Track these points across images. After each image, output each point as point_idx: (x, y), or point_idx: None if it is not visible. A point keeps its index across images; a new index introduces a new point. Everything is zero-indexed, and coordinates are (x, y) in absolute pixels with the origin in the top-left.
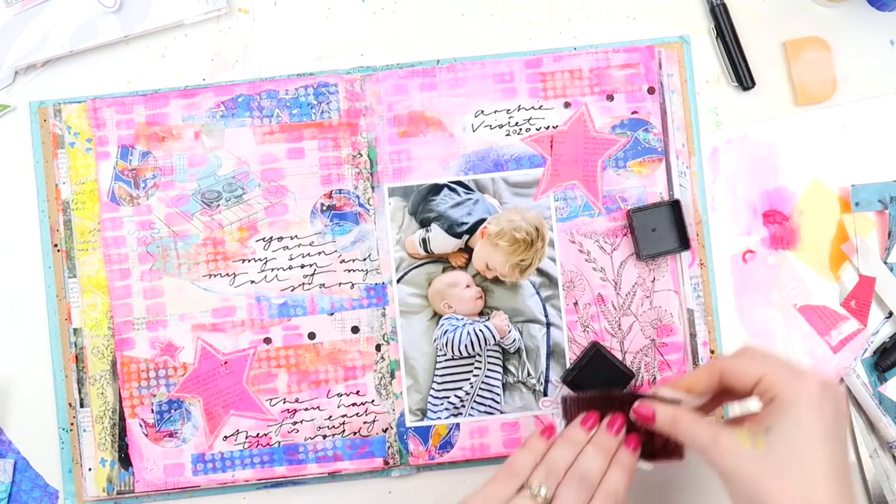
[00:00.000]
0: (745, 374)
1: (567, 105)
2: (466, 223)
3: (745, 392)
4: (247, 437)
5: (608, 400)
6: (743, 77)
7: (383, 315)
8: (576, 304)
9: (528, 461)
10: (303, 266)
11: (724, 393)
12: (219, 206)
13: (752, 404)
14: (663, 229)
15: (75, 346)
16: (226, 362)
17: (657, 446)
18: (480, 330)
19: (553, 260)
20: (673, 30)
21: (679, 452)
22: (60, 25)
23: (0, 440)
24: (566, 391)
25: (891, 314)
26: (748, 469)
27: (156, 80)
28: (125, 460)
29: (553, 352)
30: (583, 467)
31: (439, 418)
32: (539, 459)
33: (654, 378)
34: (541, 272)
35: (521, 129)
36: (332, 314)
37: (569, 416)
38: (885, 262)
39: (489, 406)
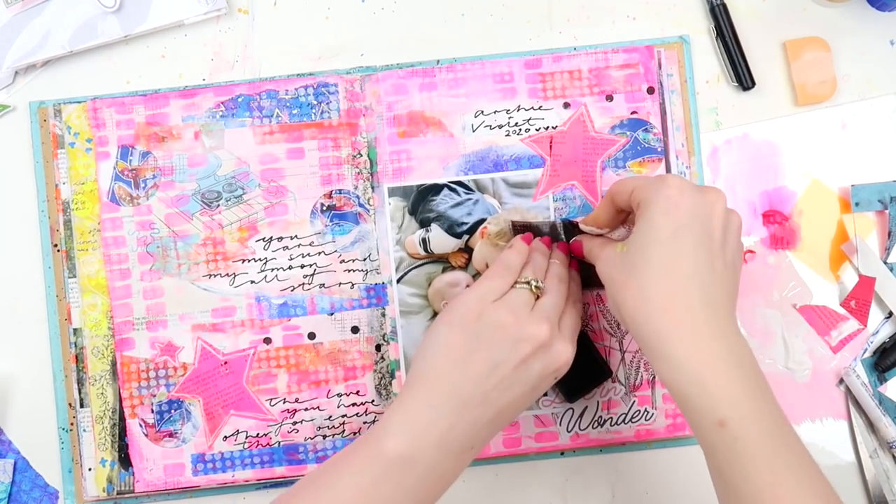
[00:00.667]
0: (623, 192)
1: (566, 105)
2: (466, 223)
3: (629, 207)
4: (247, 438)
5: (551, 228)
6: (743, 77)
7: (383, 315)
8: None
9: (518, 260)
10: (303, 266)
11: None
12: (219, 206)
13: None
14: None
15: (75, 346)
16: (226, 362)
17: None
18: None
19: None
20: (673, 30)
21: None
22: (60, 25)
23: (0, 440)
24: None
25: (891, 314)
26: (614, 270)
27: (156, 80)
28: (125, 460)
29: None
30: (557, 270)
31: None
32: (525, 260)
33: (654, 377)
34: None
35: (520, 130)
36: (332, 314)
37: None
38: (885, 263)
39: None
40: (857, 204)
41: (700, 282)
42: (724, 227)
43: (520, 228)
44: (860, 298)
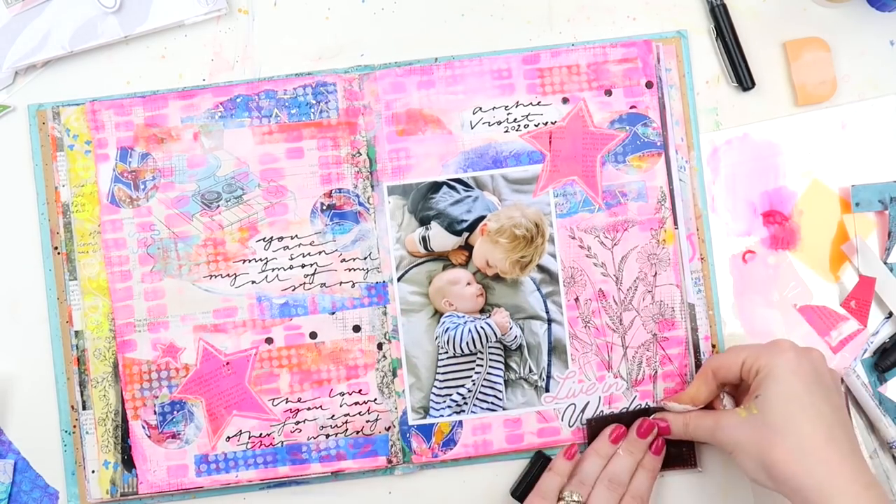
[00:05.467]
0: (732, 365)
1: (565, 101)
2: (466, 220)
3: (737, 381)
4: (250, 438)
5: (629, 419)
6: (743, 77)
7: (384, 314)
8: (577, 299)
9: (556, 482)
10: (303, 266)
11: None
12: (219, 206)
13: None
14: None
15: (77, 348)
16: (228, 363)
17: (672, 455)
18: (482, 327)
19: (553, 256)
20: (673, 29)
21: (692, 460)
22: (60, 26)
23: (0, 440)
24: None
25: (891, 314)
26: (747, 433)
27: (156, 80)
28: (128, 462)
29: (555, 348)
30: (613, 470)
31: (442, 416)
32: (566, 480)
33: (656, 372)
34: (541, 268)
35: (519, 126)
36: (333, 313)
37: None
38: (885, 263)
39: (491, 403)
40: (857, 204)
41: (842, 429)
42: (833, 377)
43: (596, 425)
44: (860, 299)
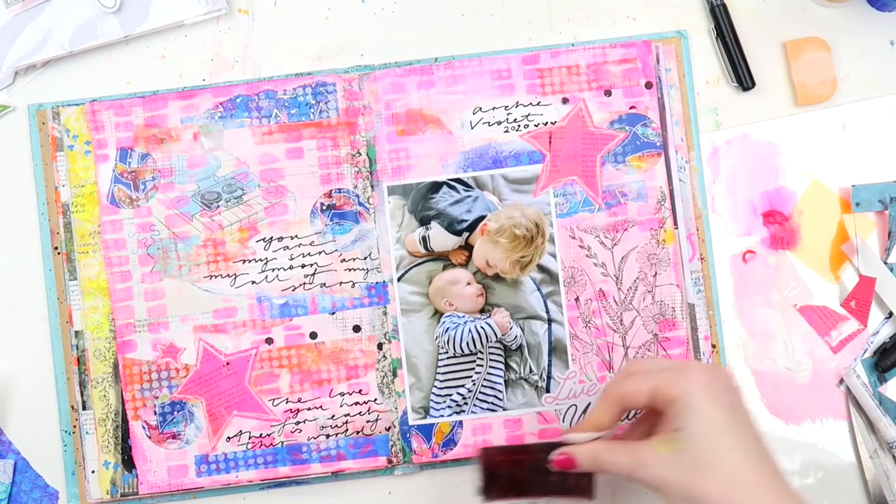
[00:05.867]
0: (640, 394)
1: (565, 101)
2: (466, 220)
3: (646, 407)
4: (250, 438)
5: (525, 452)
6: (743, 77)
7: (384, 314)
8: (577, 299)
9: None
10: (303, 266)
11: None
12: (219, 206)
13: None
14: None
15: (77, 348)
16: (228, 363)
17: (570, 485)
18: (482, 327)
19: (553, 256)
20: (673, 29)
21: (589, 492)
22: (60, 26)
23: (0, 440)
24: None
25: (891, 314)
26: (674, 472)
27: (155, 80)
28: (128, 462)
29: (555, 348)
30: None
31: (442, 416)
32: None
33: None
34: (541, 268)
35: (519, 126)
36: (333, 313)
37: (488, 467)
38: (886, 263)
39: (492, 403)
40: (857, 204)
41: (763, 450)
42: (740, 393)
43: (489, 454)
44: (860, 299)
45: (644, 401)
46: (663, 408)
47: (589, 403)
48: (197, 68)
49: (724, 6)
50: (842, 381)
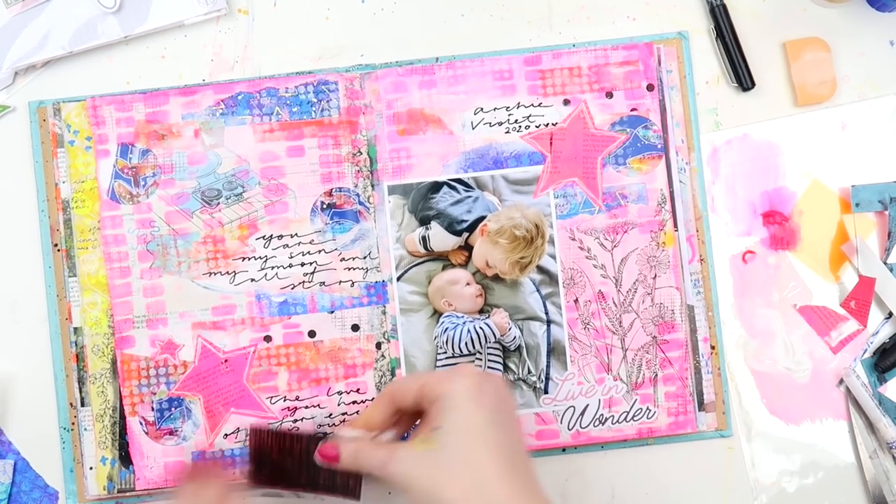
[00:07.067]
0: (408, 391)
1: (566, 102)
2: (466, 221)
3: (416, 409)
4: (247, 435)
5: (296, 440)
6: (743, 77)
7: (383, 313)
8: (576, 301)
9: None
10: (303, 264)
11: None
12: (219, 204)
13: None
14: None
15: (76, 344)
16: (226, 360)
17: (337, 483)
18: (480, 328)
19: (553, 257)
20: (673, 30)
21: (355, 493)
22: (60, 26)
23: (0, 441)
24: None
25: (891, 315)
26: (421, 469)
27: (155, 80)
28: (126, 458)
29: (553, 349)
30: None
31: None
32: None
33: (656, 375)
34: (541, 269)
35: (520, 127)
36: (332, 312)
37: (256, 448)
38: (885, 263)
39: None
40: (857, 204)
41: (523, 458)
42: (512, 402)
43: (263, 439)
44: (860, 299)
45: (411, 400)
46: (428, 407)
47: (587, 405)
48: (197, 68)
49: (724, 6)
50: (842, 381)
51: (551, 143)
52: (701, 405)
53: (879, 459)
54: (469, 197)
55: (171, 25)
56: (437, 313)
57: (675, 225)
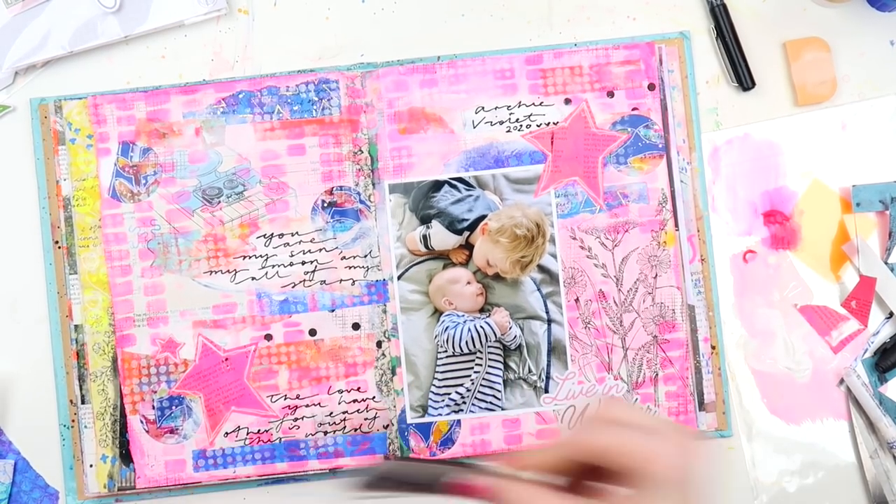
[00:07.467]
0: (591, 448)
1: (567, 101)
2: (467, 220)
3: (590, 461)
4: (248, 434)
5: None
6: (743, 77)
7: (384, 312)
8: (577, 300)
9: None
10: (304, 263)
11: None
12: (220, 202)
13: None
14: None
15: (76, 342)
16: (227, 359)
17: None
18: (481, 326)
19: (554, 256)
20: (673, 30)
21: None
22: (60, 26)
23: (0, 441)
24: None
25: (891, 314)
26: None
27: (156, 80)
28: (126, 456)
29: (554, 348)
30: None
31: (440, 415)
32: None
33: (657, 374)
34: (542, 268)
35: (521, 126)
36: (332, 311)
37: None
38: (886, 263)
39: (490, 403)
40: (858, 204)
41: None
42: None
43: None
44: (861, 299)
45: (597, 459)
46: (617, 467)
47: (587, 405)
48: (197, 68)
49: (724, 6)
50: (842, 381)
51: (552, 143)
52: (701, 405)
53: (880, 459)
54: (470, 196)
55: (171, 25)
56: (437, 312)
57: (676, 224)
